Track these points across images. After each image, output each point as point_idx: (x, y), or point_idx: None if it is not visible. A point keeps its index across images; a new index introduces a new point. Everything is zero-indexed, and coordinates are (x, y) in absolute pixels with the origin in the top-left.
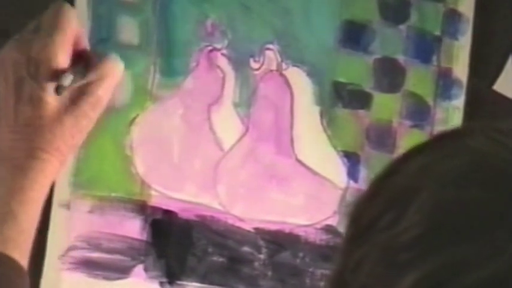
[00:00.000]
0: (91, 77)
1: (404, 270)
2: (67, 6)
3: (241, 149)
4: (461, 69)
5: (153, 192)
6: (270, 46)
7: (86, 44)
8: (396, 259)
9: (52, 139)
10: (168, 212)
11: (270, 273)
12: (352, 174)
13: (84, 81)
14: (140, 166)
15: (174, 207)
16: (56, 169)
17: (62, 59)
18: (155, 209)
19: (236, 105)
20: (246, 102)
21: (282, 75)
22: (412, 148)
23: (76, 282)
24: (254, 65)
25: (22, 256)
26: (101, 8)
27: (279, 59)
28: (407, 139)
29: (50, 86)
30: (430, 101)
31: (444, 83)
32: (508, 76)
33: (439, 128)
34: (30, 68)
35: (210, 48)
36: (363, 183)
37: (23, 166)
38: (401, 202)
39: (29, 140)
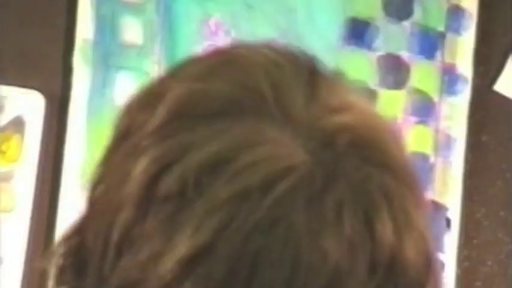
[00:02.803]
0: None
1: (140, 155)
2: None
3: None
4: (465, 65)
5: None
6: None
7: None
8: (136, 148)
9: None
10: None
11: None
12: None
13: None
14: None
15: None
16: None
17: None
18: None
19: None
20: None
21: None
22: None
23: None
24: None
25: None
26: (104, 8)
27: None
28: (413, 135)
29: None
30: (435, 97)
31: (449, 78)
32: (508, 76)
33: (444, 124)
34: None
35: (213, 47)
36: None
37: None
38: (151, 104)
39: None
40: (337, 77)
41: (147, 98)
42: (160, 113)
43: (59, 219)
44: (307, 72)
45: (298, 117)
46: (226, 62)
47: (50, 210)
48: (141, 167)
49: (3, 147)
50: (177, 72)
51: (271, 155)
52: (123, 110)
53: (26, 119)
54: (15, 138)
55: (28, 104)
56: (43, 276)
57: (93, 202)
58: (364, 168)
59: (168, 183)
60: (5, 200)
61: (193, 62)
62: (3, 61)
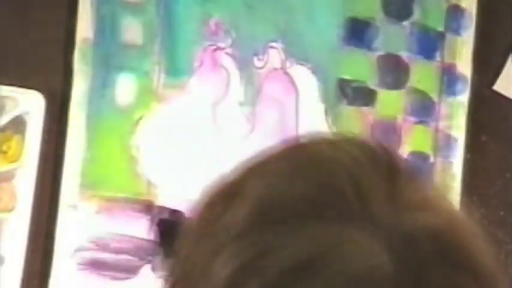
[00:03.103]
0: None
1: (223, 255)
2: None
3: (247, 148)
4: (465, 65)
5: (159, 192)
6: (274, 44)
7: None
8: (218, 247)
9: None
10: (174, 212)
11: None
12: None
13: None
14: (146, 166)
15: (181, 206)
16: None
17: None
18: (162, 208)
19: (241, 104)
20: (251, 101)
21: (286, 73)
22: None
23: (84, 282)
24: (258, 64)
25: None
26: (104, 8)
27: (283, 57)
28: (412, 135)
29: None
30: (434, 97)
31: (448, 78)
32: (508, 76)
33: (444, 124)
34: None
35: (214, 47)
36: None
37: None
38: (229, 198)
39: None
40: (414, 170)
41: (228, 194)
42: (242, 212)
43: (59, 219)
44: (387, 168)
45: (380, 217)
46: (308, 160)
47: (50, 210)
48: (225, 270)
49: (4, 147)
50: (257, 168)
51: (356, 259)
52: (203, 202)
53: (27, 119)
54: (15, 138)
55: (29, 104)
56: (43, 276)
57: None
58: (452, 276)
59: (254, 286)
60: (5, 199)
61: (273, 157)
62: (3, 61)
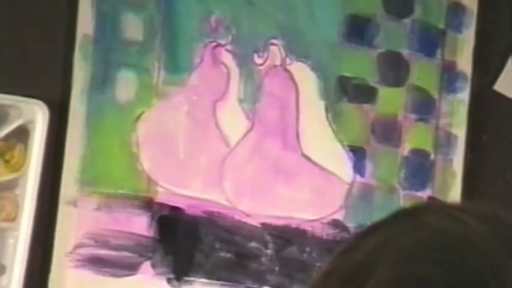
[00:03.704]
0: None
1: None
2: None
3: (247, 145)
4: (465, 62)
5: (159, 189)
6: (274, 41)
7: None
8: None
9: None
10: (174, 209)
11: (277, 268)
12: (358, 168)
13: None
14: (146, 163)
15: (181, 203)
16: None
17: None
18: (162, 205)
19: (241, 101)
20: (251, 98)
21: (286, 70)
22: (369, 225)
23: (84, 279)
24: (258, 61)
25: None
26: (105, 5)
27: (283, 54)
28: (413, 133)
29: None
30: (435, 94)
31: (449, 76)
32: (508, 76)
33: (444, 121)
34: None
35: (214, 44)
36: (369, 177)
37: None
38: (358, 278)
39: None
40: None
41: (353, 274)
42: None
43: (59, 215)
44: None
45: None
46: (438, 241)
47: (50, 206)
48: None
49: (7, 156)
50: (382, 246)
51: None
52: (321, 278)
53: (30, 128)
54: (18, 147)
55: (32, 114)
56: (43, 272)
57: None
58: None
59: None
60: (8, 208)
61: (398, 235)
62: (1, 58)
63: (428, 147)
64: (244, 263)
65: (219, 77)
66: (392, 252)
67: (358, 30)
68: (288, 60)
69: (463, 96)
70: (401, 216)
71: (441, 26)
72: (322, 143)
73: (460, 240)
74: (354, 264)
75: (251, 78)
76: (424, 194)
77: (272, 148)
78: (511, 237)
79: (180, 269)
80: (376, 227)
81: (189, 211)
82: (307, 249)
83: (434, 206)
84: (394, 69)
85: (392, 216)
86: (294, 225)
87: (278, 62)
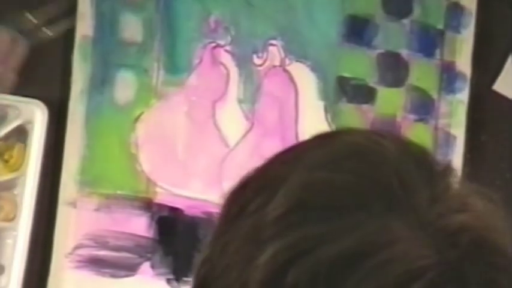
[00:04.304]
0: None
1: (265, 244)
2: None
3: (247, 145)
4: (464, 63)
5: (158, 190)
6: (273, 42)
7: None
8: (259, 236)
9: None
10: (174, 209)
11: None
12: None
13: None
14: (145, 164)
15: (180, 204)
16: None
17: None
18: (161, 206)
19: (240, 101)
20: (251, 98)
21: (285, 70)
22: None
23: (83, 280)
24: (257, 61)
25: None
26: (104, 5)
27: (283, 55)
28: (412, 133)
29: None
30: (434, 94)
31: (448, 76)
32: (507, 76)
33: (443, 122)
34: None
35: (213, 44)
36: None
37: None
38: (270, 188)
39: None
40: (452, 172)
41: (265, 180)
42: (283, 199)
43: (58, 216)
44: (429, 170)
45: (425, 217)
46: (351, 152)
47: (49, 207)
48: (267, 256)
49: (6, 156)
50: (297, 157)
51: (404, 255)
52: (235, 189)
53: (29, 128)
54: (17, 147)
55: (31, 114)
56: (42, 273)
57: (206, 281)
58: (490, 274)
59: (297, 275)
60: (7, 209)
61: (313, 148)
62: None
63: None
64: None
65: (218, 78)
66: (305, 162)
67: (357, 30)
68: (287, 61)
69: (462, 96)
70: (319, 135)
71: (440, 26)
72: None
73: (371, 153)
74: (266, 176)
75: (250, 78)
76: None
77: (271, 148)
78: (422, 157)
79: (180, 269)
80: (294, 145)
81: (189, 212)
82: None
83: (355, 129)
84: (393, 69)
85: (311, 136)
86: None
87: (277, 63)
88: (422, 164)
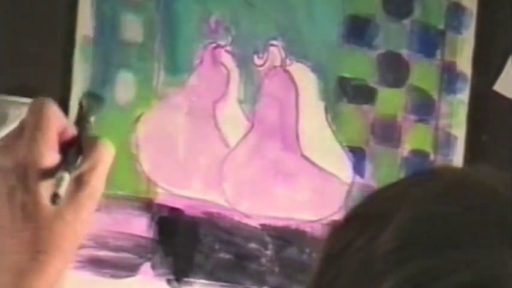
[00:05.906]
0: (83, 167)
1: (380, 278)
2: (47, 102)
3: (247, 146)
4: (465, 63)
5: (159, 190)
6: (274, 42)
7: (73, 132)
8: (372, 270)
9: (51, 239)
10: (174, 210)
11: (276, 269)
12: (358, 169)
13: (77, 172)
14: (146, 164)
15: (181, 204)
16: (57, 269)
17: (49, 158)
18: (161, 206)
19: (241, 101)
20: (251, 98)
21: (286, 71)
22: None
23: (83, 280)
24: (258, 62)
25: None
26: (104, 6)
27: (283, 55)
28: (413, 133)
29: (43, 188)
30: (434, 95)
31: (448, 77)
32: (508, 76)
33: (444, 122)
34: (19, 174)
35: (214, 45)
36: (368, 178)
37: (23, 270)
38: (378, 223)
39: (28, 243)
40: None
41: (369, 217)
42: (395, 233)
43: None
44: None
45: None
46: (459, 186)
47: None
48: (388, 286)
49: None
50: (401, 194)
51: None
52: (336, 228)
53: None
54: None
55: None
56: None
57: None
58: None
59: None
60: None
61: (416, 184)
62: (0, 59)
63: (427, 148)
64: (243, 263)
65: (218, 78)
66: (412, 198)
67: (357, 31)
68: (287, 61)
69: (463, 96)
70: (418, 173)
71: (441, 26)
72: (322, 143)
73: (481, 187)
74: (372, 212)
75: (251, 79)
76: None
77: (272, 149)
78: None
79: (180, 270)
80: (394, 183)
81: (189, 212)
82: (307, 250)
83: (451, 167)
84: (394, 70)
85: (409, 175)
86: (293, 226)
87: (278, 63)
88: None
